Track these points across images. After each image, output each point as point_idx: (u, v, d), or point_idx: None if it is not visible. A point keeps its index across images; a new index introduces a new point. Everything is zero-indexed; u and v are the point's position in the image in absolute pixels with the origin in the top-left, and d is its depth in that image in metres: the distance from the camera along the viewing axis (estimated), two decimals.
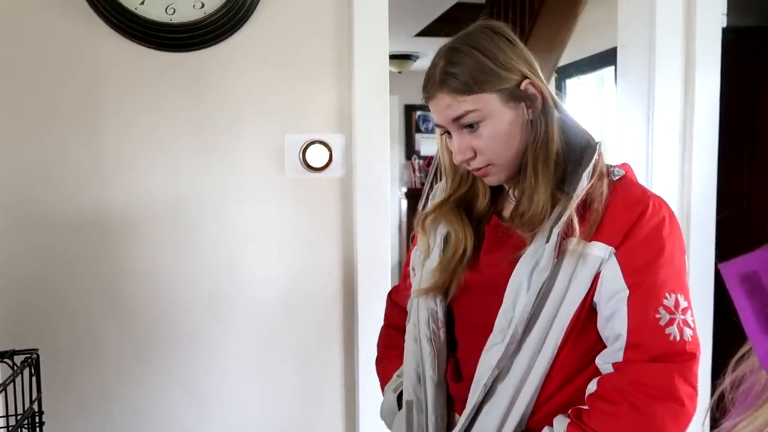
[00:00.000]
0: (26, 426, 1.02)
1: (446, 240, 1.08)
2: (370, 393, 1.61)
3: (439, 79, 0.99)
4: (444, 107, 0.99)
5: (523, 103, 0.99)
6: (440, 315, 1.08)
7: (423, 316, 1.09)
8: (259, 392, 1.72)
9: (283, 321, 1.71)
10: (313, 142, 1.66)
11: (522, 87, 0.98)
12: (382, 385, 1.20)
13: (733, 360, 0.51)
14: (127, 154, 1.59)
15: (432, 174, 4.77)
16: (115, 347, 1.63)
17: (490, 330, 0.99)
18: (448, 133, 1.02)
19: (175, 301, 1.65)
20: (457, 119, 0.98)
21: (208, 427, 1.70)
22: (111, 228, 1.60)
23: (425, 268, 1.10)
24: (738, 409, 0.49)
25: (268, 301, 1.70)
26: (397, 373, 1.17)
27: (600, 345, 0.97)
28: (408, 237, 5.20)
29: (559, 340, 0.95)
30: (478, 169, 1.02)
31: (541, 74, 1.01)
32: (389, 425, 1.18)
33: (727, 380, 0.51)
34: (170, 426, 1.67)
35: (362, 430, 1.73)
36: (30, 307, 1.57)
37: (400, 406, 1.14)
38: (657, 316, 0.91)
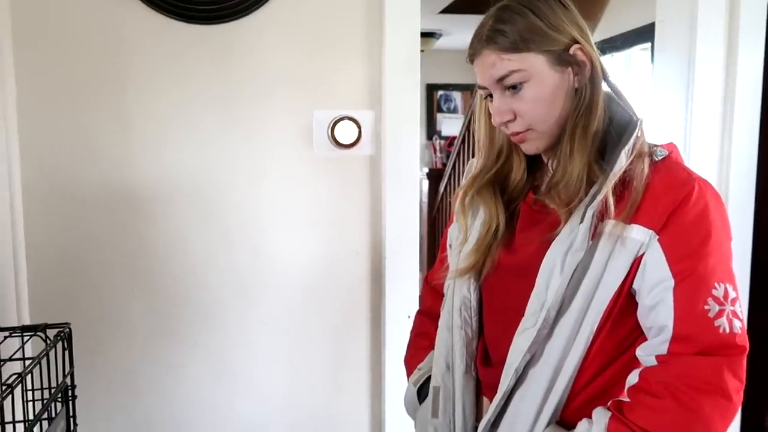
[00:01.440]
0: (59, 399, 1.01)
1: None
2: (397, 372, 1.60)
3: (486, 36, 0.95)
4: (489, 65, 0.95)
5: (570, 69, 0.95)
6: (473, 303, 1.06)
7: (456, 304, 1.07)
8: (286, 370, 1.71)
9: (310, 299, 1.70)
10: (342, 119, 1.63)
11: (571, 52, 0.94)
12: (407, 375, 1.20)
13: None
14: (154, 129, 1.58)
15: (455, 154, 4.71)
16: (143, 324, 1.63)
17: (520, 314, 0.96)
18: (490, 96, 0.99)
19: (202, 279, 1.64)
20: (501, 79, 0.95)
21: (234, 405, 1.70)
22: (139, 204, 1.59)
23: (463, 251, 1.07)
24: None
25: (295, 279, 1.69)
26: (419, 366, 1.16)
27: (636, 332, 0.94)
28: (429, 218, 5.18)
29: (595, 326, 0.92)
30: (517, 134, 0.98)
31: (592, 42, 0.97)
32: (412, 416, 1.17)
33: None
34: (196, 403, 1.68)
35: (388, 409, 1.73)
36: (58, 283, 1.57)
37: (420, 400, 1.13)
38: (706, 307, 0.87)
